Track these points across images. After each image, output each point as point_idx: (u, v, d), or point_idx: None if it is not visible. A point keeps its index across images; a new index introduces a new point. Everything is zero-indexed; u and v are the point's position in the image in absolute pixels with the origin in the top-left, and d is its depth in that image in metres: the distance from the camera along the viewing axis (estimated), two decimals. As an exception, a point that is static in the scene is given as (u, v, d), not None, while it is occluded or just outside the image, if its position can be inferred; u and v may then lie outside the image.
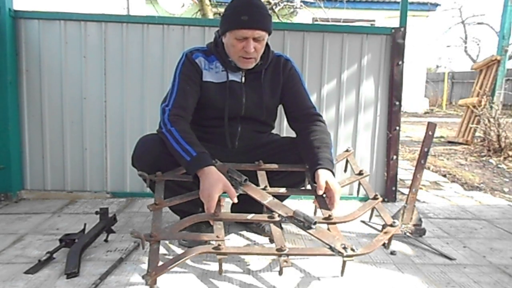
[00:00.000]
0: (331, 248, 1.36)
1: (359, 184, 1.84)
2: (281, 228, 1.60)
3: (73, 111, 2.47)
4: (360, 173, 1.83)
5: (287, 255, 1.34)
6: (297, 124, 1.84)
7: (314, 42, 2.56)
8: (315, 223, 1.42)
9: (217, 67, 1.80)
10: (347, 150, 1.96)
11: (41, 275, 1.48)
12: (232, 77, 1.80)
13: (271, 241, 1.47)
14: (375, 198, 1.69)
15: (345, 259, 1.34)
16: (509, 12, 5.42)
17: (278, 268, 1.36)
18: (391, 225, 1.55)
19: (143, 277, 1.26)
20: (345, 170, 1.95)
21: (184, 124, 1.69)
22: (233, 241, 1.84)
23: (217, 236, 1.41)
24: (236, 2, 1.71)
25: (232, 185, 1.56)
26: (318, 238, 1.41)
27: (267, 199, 1.55)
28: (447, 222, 2.27)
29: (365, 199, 2.63)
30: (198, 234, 1.68)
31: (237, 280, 1.48)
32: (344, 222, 1.56)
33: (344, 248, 1.35)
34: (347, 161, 1.94)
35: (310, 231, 1.42)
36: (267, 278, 1.50)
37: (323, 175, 1.56)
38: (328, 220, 1.51)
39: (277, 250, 1.35)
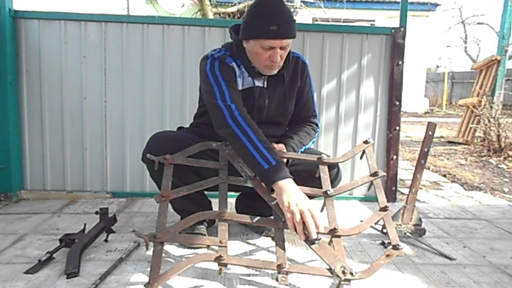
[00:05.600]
0: (330, 269, 1.36)
1: (371, 183, 1.70)
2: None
3: (73, 111, 2.47)
4: (375, 174, 1.68)
5: (287, 272, 1.35)
6: (291, 123, 1.90)
7: (314, 42, 2.56)
8: (319, 239, 1.41)
9: (244, 72, 1.72)
10: (366, 142, 1.76)
11: (41, 275, 1.48)
12: (256, 82, 1.74)
13: (273, 238, 1.47)
14: (384, 209, 1.58)
15: (343, 283, 1.34)
16: (509, 12, 5.43)
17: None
18: (395, 247, 1.44)
19: (144, 285, 1.27)
20: (361, 157, 1.77)
21: (256, 125, 1.57)
22: (232, 241, 1.84)
23: (220, 242, 1.41)
24: (263, 9, 1.59)
25: (242, 177, 1.57)
26: (319, 256, 1.40)
27: (275, 200, 1.52)
28: (447, 222, 2.27)
29: (365, 199, 2.64)
30: (201, 237, 1.68)
31: (236, 280, 1.48)
32: (349, 235, 1.55)
33: (343, 272, 1.35)
34: (363, 153, 1.76)
35: (312, 246, 1.41)
36: (266, 281, 1.50)
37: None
38: (333, 232, 1.50)
39: (277, 266, 1.36)
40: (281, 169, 1.46)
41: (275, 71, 1.71)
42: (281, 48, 1.61)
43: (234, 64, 1.71)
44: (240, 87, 1.71)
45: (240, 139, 1.51)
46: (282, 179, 1.43)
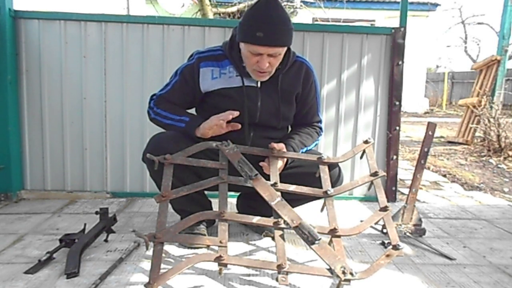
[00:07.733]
0: (330, 269, 1.37)
1: (371, 183, 1.70)
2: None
3: (73, 111, 2.47)
4: (375, 174, 1.68)
5: (287, 272, 1.35)
6: (294, 127, 1.91)
7: (314, 42, 2.55)
8: (319, 239, 1.42)
9: (231, 71, 1.74)
10: (366, 141, 1.76)
11: (41, 275, 1.48)
12: (247, 82, 1.74)
13: (273, 238, 1.47)
14: (385, 209, 1.58)
15: (343, 283, 1.34)
16: (509, 12, 5.42)
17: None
18: (395, 247, 1.46)
19: (144, 285, 1.27)
20: (361, 157, 1.78)
21: (167, 102, 1.78)
22: (232, 241, 1.84)
23: (221, 242, 1.41)
24: (254, 14, 1.59)
25: (242, 177, 1.58)
26: (319, 256, 1.41)
27: (275, 200, 1.53)
28: (447, 222, 2.27)
29: (365, 199, 2.64)
30: (201, 237, 1.68)
31: (236, 280, 1.48)
32: (349, 235, 1.55)
33: (344, 272, 1.35)
34: (363, 152, 1.77)
35: (313, 246, 1.41)
36: (266, 281, 1.50)
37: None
38: (333, 232, 1.50)
39: (277, 266, 1.36)
40: (193, 120, 1.72)
41: (264, 78, 1.71)
42: (270, 55, 1.61)
43: (209, 68, 1.73)
44: (217, 87, 1.73)
45: (158, 120, 1.77)
46: (197, 126, 1.68)
